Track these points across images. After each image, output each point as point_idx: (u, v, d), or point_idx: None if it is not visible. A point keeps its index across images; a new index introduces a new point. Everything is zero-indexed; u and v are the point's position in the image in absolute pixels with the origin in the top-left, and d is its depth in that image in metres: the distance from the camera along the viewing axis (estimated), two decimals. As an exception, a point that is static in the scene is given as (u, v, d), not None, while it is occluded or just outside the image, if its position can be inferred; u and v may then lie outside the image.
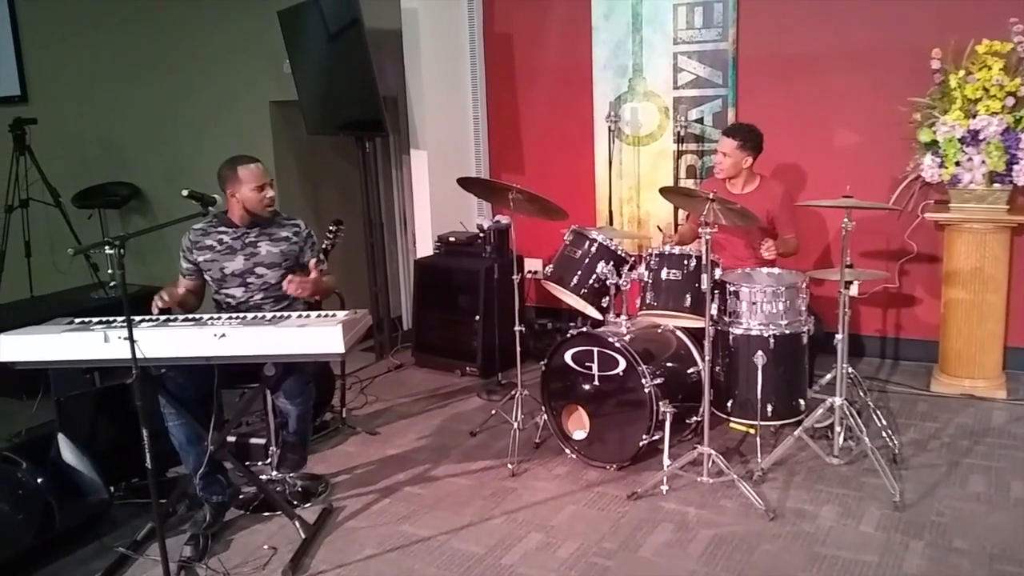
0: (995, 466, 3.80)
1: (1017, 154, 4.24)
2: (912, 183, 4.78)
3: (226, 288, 3.64)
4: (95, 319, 3.31)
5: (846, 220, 3.60)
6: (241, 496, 3.74)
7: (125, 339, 2.82)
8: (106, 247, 2.77)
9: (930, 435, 4.15)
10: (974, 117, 4.29)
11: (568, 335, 4.03)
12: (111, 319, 3.28)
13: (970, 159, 4.32)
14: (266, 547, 3.40)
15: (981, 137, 4.27)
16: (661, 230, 5.22)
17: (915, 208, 4.86)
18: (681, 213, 5.51)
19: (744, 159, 4.46)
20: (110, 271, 5.09)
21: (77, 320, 3.32)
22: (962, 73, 4.34)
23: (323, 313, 3.41)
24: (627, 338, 3.88)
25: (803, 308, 3.95)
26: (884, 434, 3.94)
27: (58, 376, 4.00)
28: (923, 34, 4.61)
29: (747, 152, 4.45)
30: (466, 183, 4.34)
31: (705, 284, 3.61)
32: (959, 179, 4.38)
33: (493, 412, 4.53)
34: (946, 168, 4.38)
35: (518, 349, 4.16)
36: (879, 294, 5.11)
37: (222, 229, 3.65)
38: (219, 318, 3.32)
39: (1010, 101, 4.24)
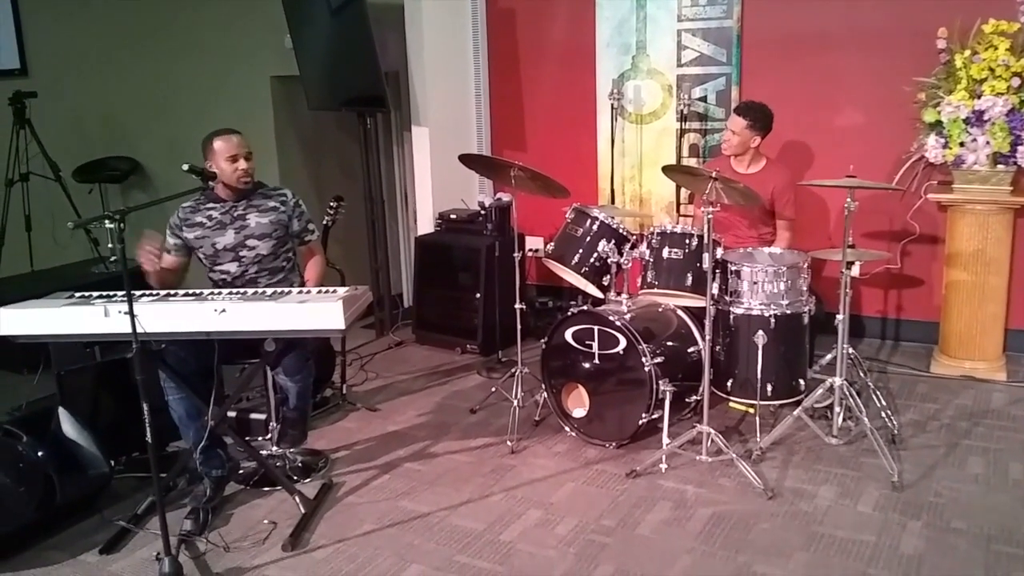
0: (994, 448, 3.80)
1: (1022, 135, 4.21)
2: (916, 163, 4.76)
3: (220, 264, 3.64)
4: (95, 293, 3.31)
5: (849, 200, 3.59)
6: (241, 471, 3.76)
7: (125, 313, 2.82)
8: (106, 221, 2.76)
9: (929, 416, 4.15)
10: (979, 97, 4.26)
11: (569, 313, 4.02)
12: (111, 293, 3.27)
13: (974, 140, 4.30)
14: (266, 522, 3.41)
15: (986, 118, 4.24)
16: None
17: (918, 189, 4.84)
18: (683, 192, 5.50)
19: (752, 138, 4.45)
20: (110, 245, 5.08)
21: (77, 294, 3.31)
22: (968, 53, 4.31)
23: (324, 289, 3.40)
24: (628, 317, 3.87)
25: (804, 288, 3.95)
26: (883, 415, 3.94)
27: (59, 350, 4.01)
28: (929, 13, 4.57)
29: (756, 132, 4.44)
30: (467, 160, 4.32)
31: (707, 263, 3.60)
32: (963, 160, 4.36)
33: (493, 390, 4.54)
34: (950, 149, 4.36)
35: (519, 327, 4.16)
36: (881, 275, 5.10)
37: (211, 205, 3.63)
38: (219, 293, 3.31)
39: (1016, 82, 4.21)
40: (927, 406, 4.27)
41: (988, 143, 4.26)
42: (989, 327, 4.55)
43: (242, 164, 3.58)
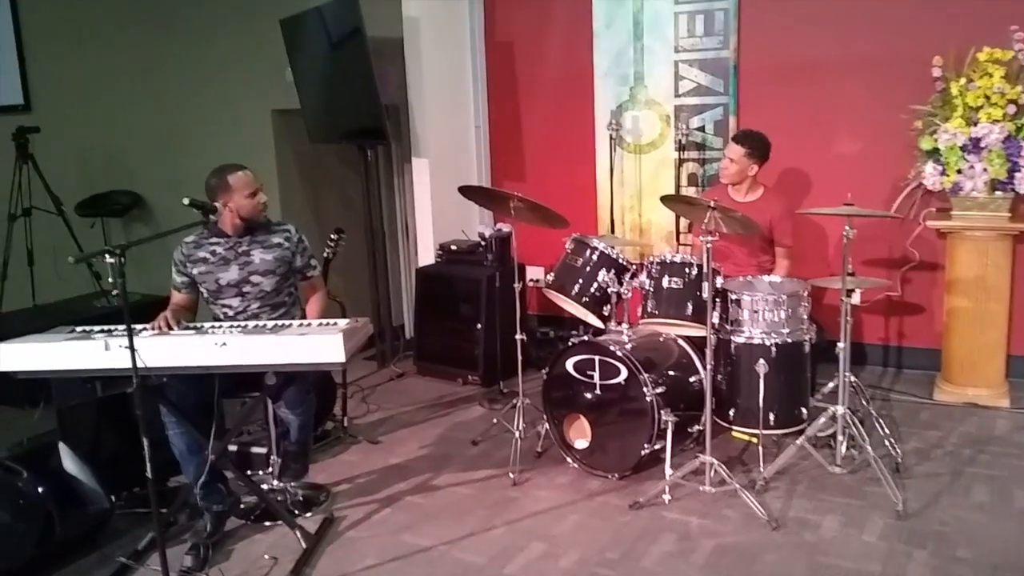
0: (998, 475, 3.78)
1: (1019, 162, 4.23)
2: (914, 191, 4.77)
3: (222, 299, 3.64)
4: (96, 328, 3.31)
5: (847, 228, 3.60)
6: (242, 505, 3.73)
7: (126, 348, 2.82)
8: (106, 256, 2.76)
9: (933, 444, 4.13)
10: (975, 125, 4.29)
11: (570, 343, 4.02)
12: (112, 328, 3.28)
13: (972, 167, 4.31)
14: (267, 557, 3.39)
15: (983, 145, 4.26)
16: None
17: (917, 216, 4.85)
18: (683, 222, 5.52)
19: (750, 166, 4.47)
20: (110, 280, 5.09)
21: (78, 329, 3.32)
22: (963, 81, 4.34)
23: (324, 321, 3.40)
24: (628, 347, 3.87)
25: (805, 316, 3.95)
26: (887, 443, 3.92)
27: (60, 385, 4.00)
28: (924, 42, 4.61)
29: (753, 160, 4.47)
30: (467, 191, 4.34)
31: (707, 292, 3.60)
32: (961, 187, 4.38)
33: (495, 421, 4.52)
34: (948, 176, 4.37)
35: (519, 358, 4.15)
36: (881, 302, 5.10)
37: (214, 240, 3.64)
38: (220, 327, 3.32)
39: (1011, 109, 4.24)
40: (930, 434, 4.26)
41: (985, 170, 4.28)
42: (991, 354, 4.54)
43: (262, 197, 3.61)
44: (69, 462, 3.55)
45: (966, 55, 4.40)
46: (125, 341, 2.84)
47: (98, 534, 3.55)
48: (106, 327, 3.30)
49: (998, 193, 4.35)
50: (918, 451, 4.06)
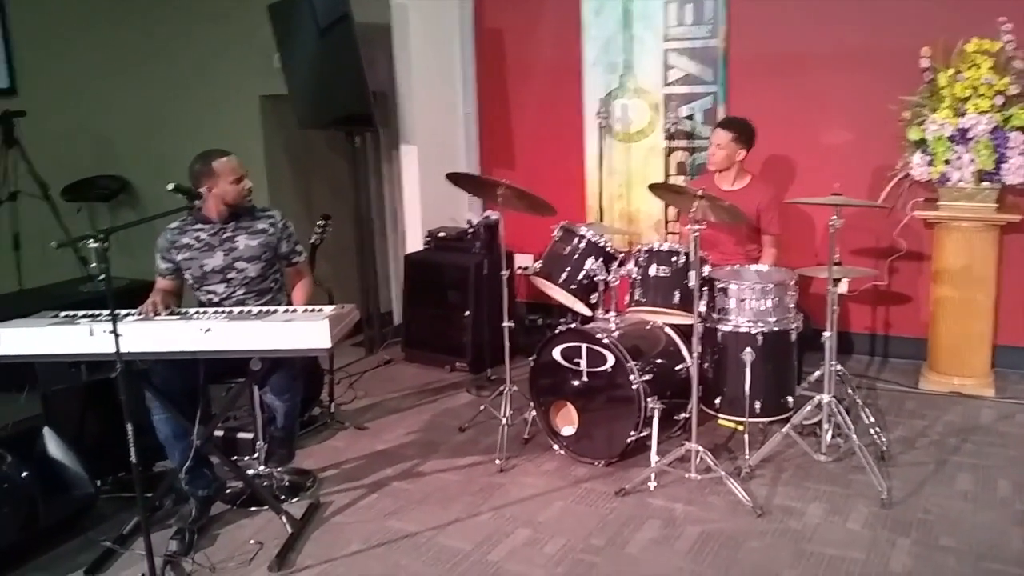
0: (982, 464, 3.81)
1: (1006, 153, 4.25)
2: (901, 181, 4.79)
3: (207, 285, 3.62)
4: (80, 313, 3.29)
5: (835, 217, 3.60)
6: (228, 490, 3.73)
7: (110, 333, 2.81)
8: (90, 241, 2.74)
9: (918, 433, 4.16)
10: (963, 116, 4.30)
11: (557, 331, 4.03)
12: (97, 313, 3.26)
13: (959, 157, 4.33)
14: (252, 542, 3.39)
15: (970, 136, 4.27)
16: None
17: (904, 206, 4.86)
18: (671, 210, 5.52)
19: (737, 152, 4.48)
20: (92, 265, 5.06)
21: (63, 314, 3.30)
22: (951, 72, 4.35)
23: (310, 308, 3.40)
24: (616, 334, 3.87)
25: (792, 305, 3.96)
26: (872, 431, 3.94)
27: (44, 370, 3.98)
28: (913, 33, 4.61)
29: (740, 145, 4.47)
30: (456, 179, 4.32)
31: (694, 281, 3.61)
32: (948, 177, 4.39)
33: (482, 408, 4.52)
34: (935, 166, 4.39)
35: (507, 345, 4.15)
36: (868, 292, 5.12)
37: (198, 226, 3.61)
38: (205, 312, 3.30)
39: (999, 100, 4.25)
40: (916, 423, 4.28)
41: (973, 160, 4.29)
42: (976, 343, 4.57)
43: (247, 183, 3.59)
44: (54, 447, 3.55)
45: (954, 46, 4.40)
46: (109, 326, 2.83)
47: (83, 519, 3.54)
48: (90, 312, 3.29)
49: (985, 184, 4.37)
50: (903, 440, 4.08)
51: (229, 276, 3.61)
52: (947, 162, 4.36)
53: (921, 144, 4.44)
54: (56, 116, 6.89)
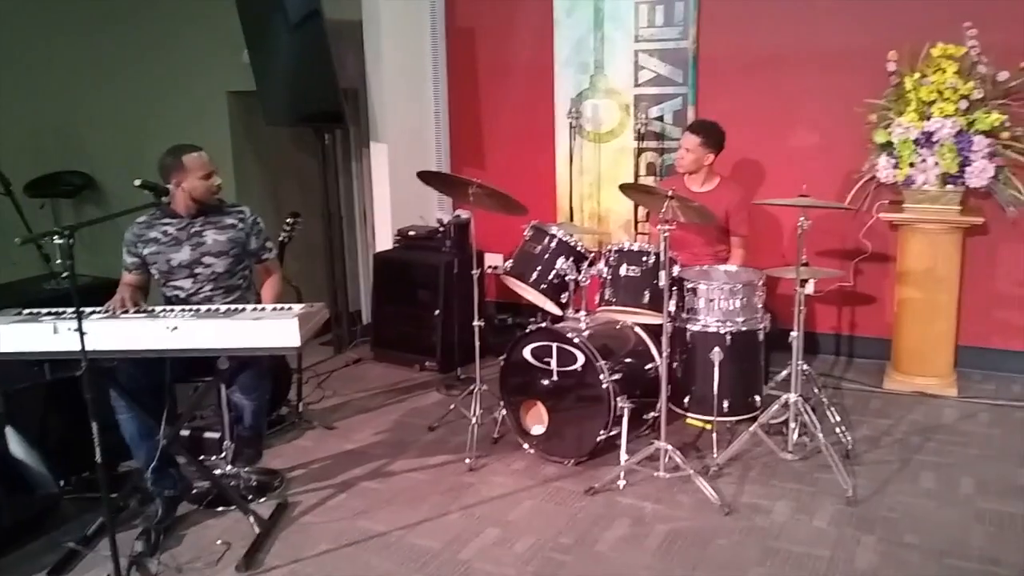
0: (945, 463, 3.86)
1: (969, 156, 4.31)
2: (867, 183, 4.84)
3: (174, 280, 3.59)
4: (44, 310, 3.24)
5: (802, 219, 3.64)
6: (195, 490, 3.69)
7: (74, 331, 2.77)
8: (55, 237, 2.70)
9: (882, 432, 4.21)
10: (928, 119, 4.35)
11: (527, 330, 4.03)
12: (61, 310, 3.21)
13: (924, 160, 4.38)
14: (219, 542, 3.35)
15: (935, 139, 4.33)
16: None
17: (870, 208, 4.92)
18: (641, 210, 5.54)
19: (706, 156, 4.50)
20: (58, 261, 4.99)
21: (26, 311, 3.25)
22: (917, 76, 4.41)
23: (279, 306, 3.37)
24: (586, 334, 3.88)
25: (759, 305, 4.00)
26: (837, 430, 3.99)
27: (6, 368, 3.90)
28: (880, 36, 4.67)
29: (709, 149, 4.50)
30: (426, 177, 4.31)
31: (663, 281, 3.62)
32: (913, 180, 4.45)
33: (452, 407, 4.51)
34: (900, 169, 4.44)
35: (477, 344, 4.15)
36: (834, 292, 5.18)
37: (166, 221, 3.58)
38: (172, 310, 3.27)
39: (963, 104, 4.31)
40: (880, 422, 4.33)
41: (937, 164, 4.35)
42: (940, 344, 4.63)
43: (216, 180, 3.56)
44: (16, 446, 3.49)
45: (920, 50, 4.46)
46: (73, 324, 2.79)
47: (46, 519, 3.49)
48: (54, 310, 3.24)
49: (949, 187, 4.43)
50: (868, 439, 4.13)
51: (196, 271, 3.57)
52: (912, 165, 4.41)
53: (887, 147, 4.50)
54: (19, 111, 6.80)
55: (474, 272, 4.31)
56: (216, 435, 3.97)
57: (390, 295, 5.57)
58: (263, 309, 3.31)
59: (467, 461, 3.96)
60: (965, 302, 4.73)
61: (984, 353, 4.91)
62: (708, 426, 4.02)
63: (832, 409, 4.09)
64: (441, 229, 5.45)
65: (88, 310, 3.17)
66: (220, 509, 3.61)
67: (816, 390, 4.24)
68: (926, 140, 4.36)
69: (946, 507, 3.48)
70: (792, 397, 3.75)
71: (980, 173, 4.31)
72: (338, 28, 5.23)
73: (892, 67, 4.54)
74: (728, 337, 3.89)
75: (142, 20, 6.24)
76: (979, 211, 4.58)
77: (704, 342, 3.93)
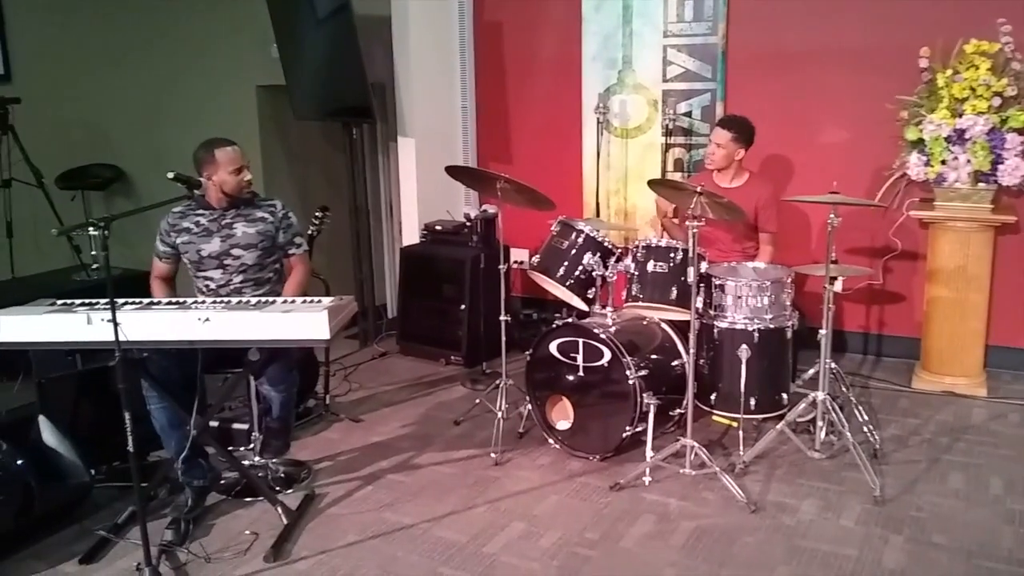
0: (974, 463, 3.83)
1: (1002, 154, 4.26)
2: (898, 181, 4.80)
3: (204, 271, 3.64)
4: (78, 301, 3.28)
5: (832, 216, 3.61)
6: (223, 481, 3.72)
7: (108, 321, 2.80)
8: (91, 228, 2.74)
9: (911, 431, 4.18)
10: (961, 116, 4.31)
11: (553, 326, 4.03)
12: (94, 301, 3.25)
13: (956, 158, 4.34)
14: (248, 532, 3.39)
15: (967, 136, 4.29)
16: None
17: (900, 206, 4.88)
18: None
19: (736, 151, 4.48)
20: (93, 253, 5.05)
21: (59, 302, 3.29)
22: (950, 72, 4.36)
23: (308, 299, 3.39)
24: (612, 330, 3.88)
25: (788, 303, 3.98)
26: (865, 429, 3.96)
27: (40, 358, 3.96)
28: (912, 33, 4.62)
29: (740, 145, 4.48)
30: (454, 172, 4.32)
31: (691, 277, 3.61)
32: (944, 178, 4.40)
33: (477, 401, 4.53)
34: (932, 166, 4.40)
35: (503, 339, 4.15)
36: (863, 290, 5.14)
37: (200, 212, 3.64)
38: (203, 302, 3.30)
39: (996, 101, 4.26)
40: (909, 421, 4.30)
41: (969, 161, 4.31)
42: (970, 343, 4.59)
43: (247, 175, 3.61)
44: (49, 435, 3.54)
45: (953, 47, 4.41)
46: (107, 314, 2.82)
47: (78, 508, 3.54)
48: (88, 300, 3.28)
49: (981, 185, 4.39)
50: (896, 438, 4.10)
51: (226, 263, 3.62)
52: (944, 162, 4.37)
53: (918, 144, 4.45)
54: (51, 104, 6.87)
55: (500, 267, 4.32)
56: (245, 426, 4.01)
57: (416, 289, 5.59)
58: (293, 302, 3.33)
59: (492, 455, 3.97)
60: (996, 301, 4.68)
61: (1015, 353, 4.87)
62: (734, 424, 4.00)
63: (860, 408, 4.07)
64: (468, 224, 5.46)
65: (121, 301, 3.20)
66: (248, 500, 3.65)
67: (844, 389, 4.22)
68: (958, 137, 4.31)
69: (975, 507, 3.45)
70: (820, 395, 3.73)
71: (1013, 171, 4.26)
72: (367, 23, 5.26)
73: (924, 63, 4.49)
74: (756, 334, 3.88)
75: (171, 14, 6.29)
76: (1011, 209, 4.53)
77: (731, 339, 3.92)
